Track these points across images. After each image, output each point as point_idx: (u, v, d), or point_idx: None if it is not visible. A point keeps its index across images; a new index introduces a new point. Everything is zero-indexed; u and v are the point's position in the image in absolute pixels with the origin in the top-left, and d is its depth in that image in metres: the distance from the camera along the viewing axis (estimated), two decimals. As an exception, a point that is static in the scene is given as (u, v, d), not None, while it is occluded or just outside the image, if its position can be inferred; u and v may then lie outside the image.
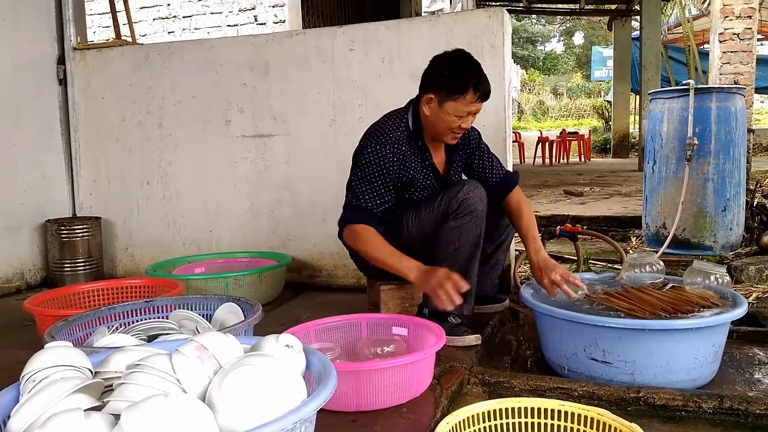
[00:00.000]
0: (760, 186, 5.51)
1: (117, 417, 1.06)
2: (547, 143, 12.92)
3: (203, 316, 2.10)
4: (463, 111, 2.14)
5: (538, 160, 13.09)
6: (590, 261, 4.05)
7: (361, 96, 3.09)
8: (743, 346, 2.30)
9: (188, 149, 3.39)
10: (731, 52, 5.21)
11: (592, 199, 6.59)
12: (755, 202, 4.86)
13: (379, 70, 3.06)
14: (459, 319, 2.20)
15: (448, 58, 2.18)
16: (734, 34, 5.32)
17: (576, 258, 3.04)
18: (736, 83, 5.23)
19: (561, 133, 13.86)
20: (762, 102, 22.18)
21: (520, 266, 2.96)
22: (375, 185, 2.16)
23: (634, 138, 14.70)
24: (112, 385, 1.23)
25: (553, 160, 13.03)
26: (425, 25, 2.98)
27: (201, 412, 1.05)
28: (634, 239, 4.97)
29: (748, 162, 4.81)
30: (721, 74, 5.26)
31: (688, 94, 4.25)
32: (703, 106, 4.26)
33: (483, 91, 2.13)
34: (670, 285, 2.18)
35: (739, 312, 1.90)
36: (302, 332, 1.88)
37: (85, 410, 1.09)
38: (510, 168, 2.96)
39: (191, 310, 2.12)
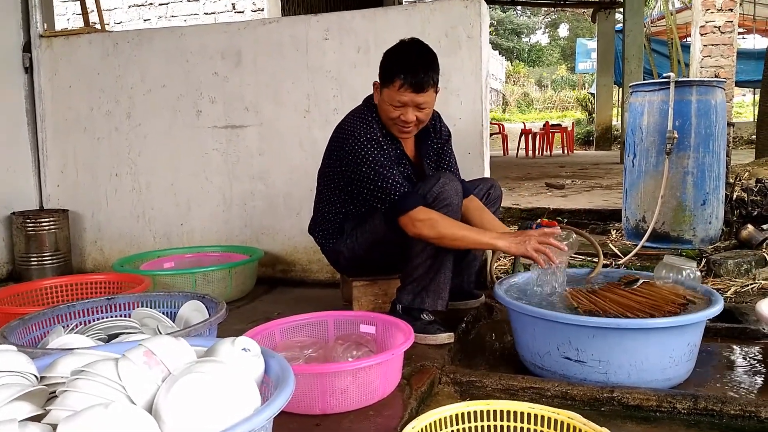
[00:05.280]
0: (740, 179, 5.52)
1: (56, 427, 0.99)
2: (530, 135, 12.91)
3: (167, 314, 2.03)
4: (395, 100, 2.07)
5: (522, 152, 13.08)
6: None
7: (336, 86, 3.02)
8: (720, 342, 2.27)
9: (158, 140, 3.30)
10: (712, 45, 5.20)
11: (574, 191, 6.57)
12: (734, 196, 4.86)
13: (354, 60, 2.99)
14: (432, 317, 2.15)
15: (398, 45, 2.13)
16: (715, 27, 5.31)
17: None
18: (716, 76, 5.23)
19: (544, 125, 13.86)
20: (744, 95, 22.36)
21: (497, 260, 2.92)
22: (389, 166, 2.07)
23: (617, 130, 14.76)
24: (56, 392, 1.17)
25: (536, 152, 13.02)
26: (401, 15, 2.91)
27: (143, 423, 0.98)
28: (614, 232, 4.96)
29: (727, 155, 4.81)
30: (702, 67, 5.25)
31: (669, 87, 4.23)
32: (683, 100, 4.24)
33: (412, 82, 2.02)
34: (641, 281, 2.14)
35: (715, 310, 1.86)
36: (267, 331, 1.82)
37: (21, 420, 1.02)
38: (487, 168, 2.92)
39: (155, 307, 2.05)
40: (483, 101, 2.83)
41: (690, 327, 1.83)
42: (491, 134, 14.10)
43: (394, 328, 1.82)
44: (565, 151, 13.89)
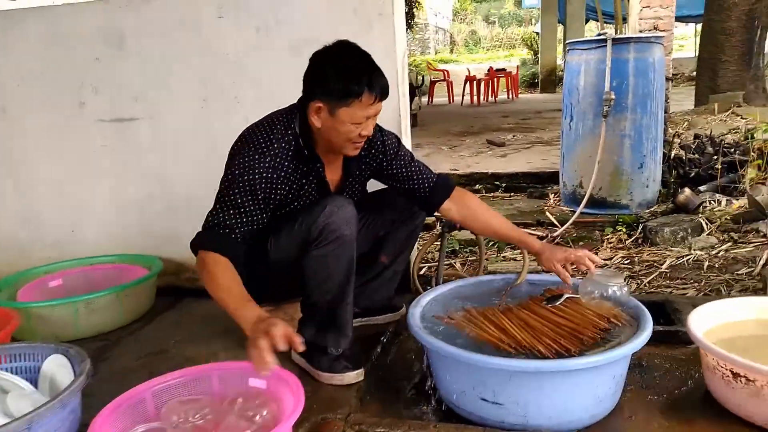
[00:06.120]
0: (678, 136, 5.43)
1: None
2: (474, 82, 12.62)
3: (31, 369, 1.77)
4: (360, 117, 1.78)
5: (467, 99, 12.81)
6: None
7: (236, 72, 2.68)
8: (651, 349, 2.13)
9: (40, 137, 2.91)
10: (652, -5, 4.97)
11: (514, 149, 6.41)
12: (672, 154, 4.77)
13: (254, 42, 2.64)
14: (339, 350, 1.93)
15: (331, 55, 1.79)
16: (655, -25, 5.07)
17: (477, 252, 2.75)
18: (655, 28, 5.03)
19: (489, 71, 13.57)
20: (687, 25, 22.34)
21: (421, 259, 2.71)
22: (240, 206, 1.80)
23: (561, 71, 14.61)
24: None
25: (481, 98, 12.78)
26: (304, -11, 2.56)
27: None
28: (552, 196, 4.84)
29: (666, 111, 4.69)
30: (641, 19, 5.03)
31: (606, 45, 4.03)
32: (620, 58, 4.06)
33: (381, 89, 1.78)
34: (565, 296, 1.96)
35: (643, 338, 1.70)
36: (137, 398, 1.57)
37: None
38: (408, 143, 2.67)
39: (17, 360, 1.79)
40: (399, 87, 2.54)
41: (616, 362, 1.67)
42: (437, 81, 13.78)
43: (283, 384, 1.58)
44: (510, 96, 13.70)
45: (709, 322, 1.94)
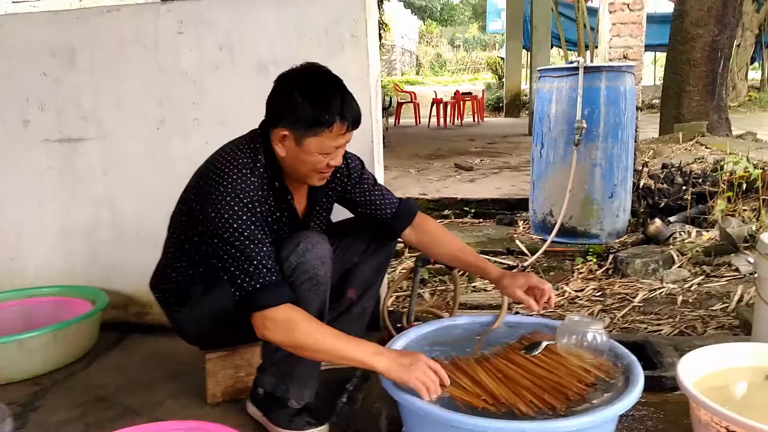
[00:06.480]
0: (646, 165, 5.42)
1: None
2: (441, 104, 12.65)
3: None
4: (329, 147, 1.62)
5: (433, 121, 12.82)
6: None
7: (196, 92, 2.50)
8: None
9: (-23, 157, 2.68)
10: (621, 23, 4.99)
11: (482, 174, 6.33)
12: (642, 184, 4.74)
13: (216, 60, 2.47)
14: (301, 403, 1.75)
15: (300, 79, 1.63)
16: (624, 4, 5.10)
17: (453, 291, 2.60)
18: (625, 57, 5.05)
19: (455, 94, 13.63)
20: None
21: (391, 296, 2.55)
22: (264, 240, 1.59)
23: (526, 95, 14.74)
24: None
25: (447, 121, 12.79)
26: (271, 7, 2.40)
27: None
28: (521, 224, 4.75)
29: (635, 140, 4.68)
30: (610, 47, 5.04)
31: (578, 73, 3.98)
32: (592, 86, 4.01)
33: (352, 119, 1.63)
34: (543, 345, 1.82)
35: (635, 395, 1.57)
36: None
37: None
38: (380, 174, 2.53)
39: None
40: (372, 112, 2.39)
41: (605, 422, 1.54)
42: (404, 102, 13.77)
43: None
44: (476, 119, 13.76)
45: (699, 370, 1.82)
